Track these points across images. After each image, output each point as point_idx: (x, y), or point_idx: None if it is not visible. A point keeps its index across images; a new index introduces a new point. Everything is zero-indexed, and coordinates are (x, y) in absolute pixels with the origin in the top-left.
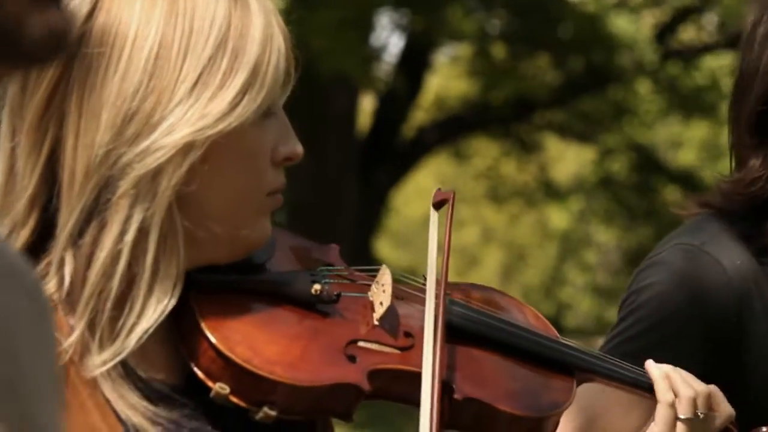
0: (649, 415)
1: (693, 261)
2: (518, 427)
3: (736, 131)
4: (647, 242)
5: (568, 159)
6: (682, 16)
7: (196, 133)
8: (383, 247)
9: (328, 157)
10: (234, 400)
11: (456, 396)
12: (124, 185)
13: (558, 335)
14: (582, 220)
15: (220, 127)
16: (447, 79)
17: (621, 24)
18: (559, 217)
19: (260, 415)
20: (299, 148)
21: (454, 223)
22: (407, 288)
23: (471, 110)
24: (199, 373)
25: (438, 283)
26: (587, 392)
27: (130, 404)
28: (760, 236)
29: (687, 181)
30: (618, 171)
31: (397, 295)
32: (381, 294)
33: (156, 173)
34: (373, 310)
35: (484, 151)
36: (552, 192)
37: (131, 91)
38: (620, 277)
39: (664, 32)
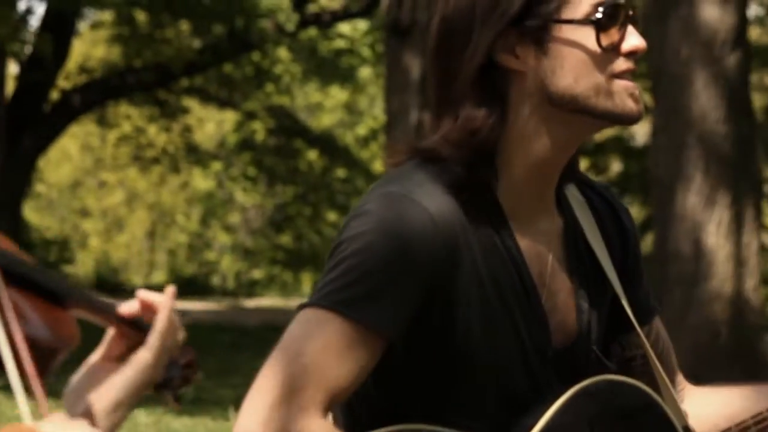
0: None
1: (401, 209)
2: (48, 357)
3: (446, 83)
4: (288, 203)
5: (211, 123)
6: None
7: None
8: (30, 212)
9: None
10: None
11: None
12: None
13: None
14: (224, 183)
15: None
16: (91, 44)
17: None
18: (202, 180)
19: None
20: None
21: (99, 188)
22: None
23: (115, 76)
24: None
25: None
26: None
27: None
28: (471, 184)
29: (326, 143)
30: (259, 135)
31: None
32: None
33: None
34: None
35: (129, 115)
36: (195, 155)
37: None
38: (262, 238)
39: None
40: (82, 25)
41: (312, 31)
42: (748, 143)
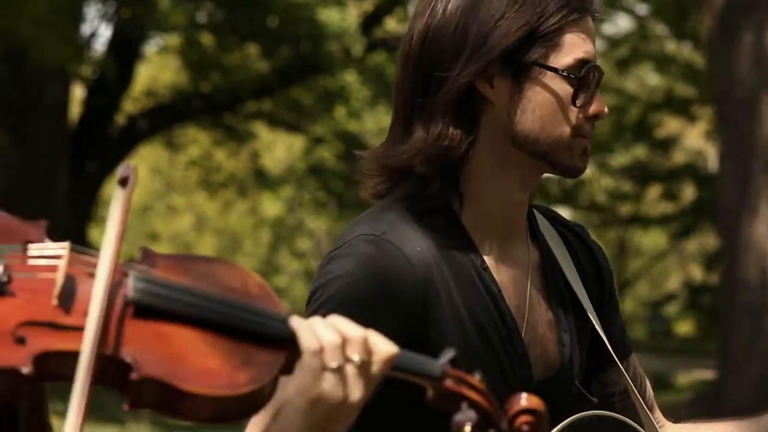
0: None
1: (376, 251)
2: (213, 406)
3: (422, 95)
4: None
5: (279, 148)
6: (387, 6)
7: None
8: (98, 236)
9: (38, 147)
10: None
11: (133, 376)
12: None
13: (277, 304)
14: (293, 208)
15: None
16: (157, 68)
17: (328, 14)
18: (271, 205)
19: None
20: None
21: (168, 212)
22: (92, 265)
23: (182, 99)
24: None
25: (113, 256)
26: None
27: None
28: (433, 209)
29: None
30: (327, 159)
31: (81, 273)
32: (59, 272)
33: None
34: (53, 288)
35: (197, 140)
36: (263, 180)
37: None
38: None
39: (369, 22)
40: (150, 50)
41: (380, 56)
42: None
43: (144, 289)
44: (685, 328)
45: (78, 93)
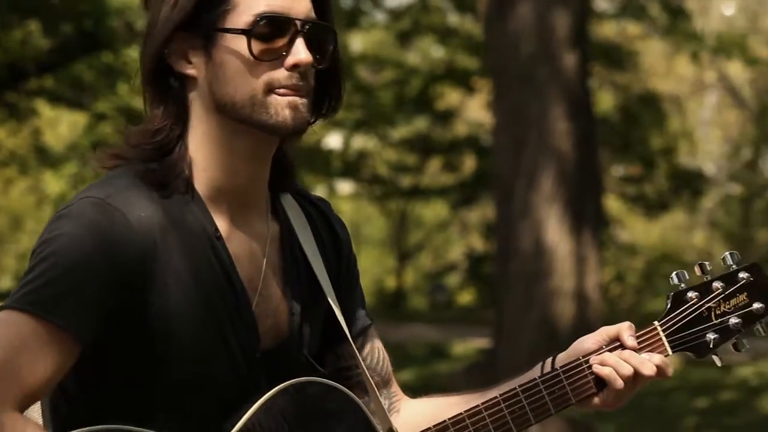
0: None
1: (99, 214)
2: None
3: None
4: None
5: (62, 125)
6: None
7: None
8: None
9: None
10: None
11: None
12: None
13: None
14: (77, 185)
15: None
16: None
17: None
18: (54, 182)
19: None
20: None
21: None
22: None
23: None
24: None
25: None
26: None
27: None
28: (167, 180)
29: None
30: (110, 135)
31: None
32: None
33: None
34: None
35: None
36: (46, 157)
37: None
38: None
39: None
40: None
41: None
42: (587, 141)
43: None
44: (466, 298)
45: None
